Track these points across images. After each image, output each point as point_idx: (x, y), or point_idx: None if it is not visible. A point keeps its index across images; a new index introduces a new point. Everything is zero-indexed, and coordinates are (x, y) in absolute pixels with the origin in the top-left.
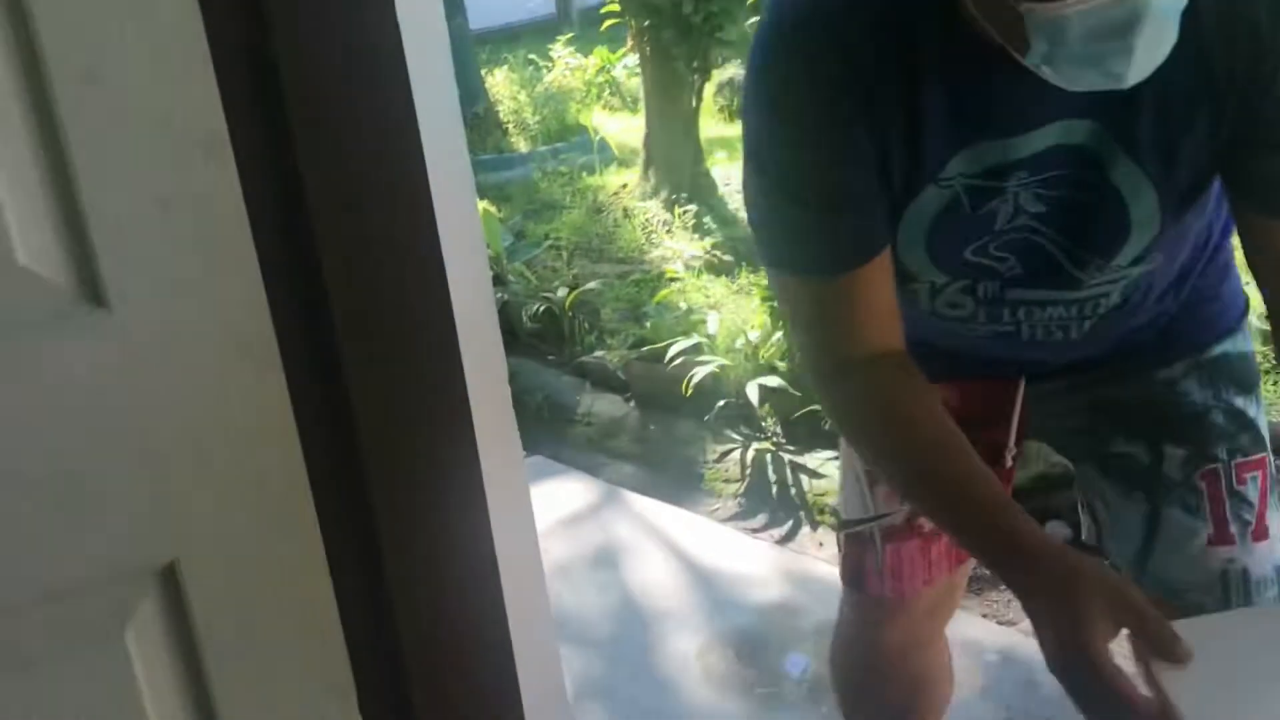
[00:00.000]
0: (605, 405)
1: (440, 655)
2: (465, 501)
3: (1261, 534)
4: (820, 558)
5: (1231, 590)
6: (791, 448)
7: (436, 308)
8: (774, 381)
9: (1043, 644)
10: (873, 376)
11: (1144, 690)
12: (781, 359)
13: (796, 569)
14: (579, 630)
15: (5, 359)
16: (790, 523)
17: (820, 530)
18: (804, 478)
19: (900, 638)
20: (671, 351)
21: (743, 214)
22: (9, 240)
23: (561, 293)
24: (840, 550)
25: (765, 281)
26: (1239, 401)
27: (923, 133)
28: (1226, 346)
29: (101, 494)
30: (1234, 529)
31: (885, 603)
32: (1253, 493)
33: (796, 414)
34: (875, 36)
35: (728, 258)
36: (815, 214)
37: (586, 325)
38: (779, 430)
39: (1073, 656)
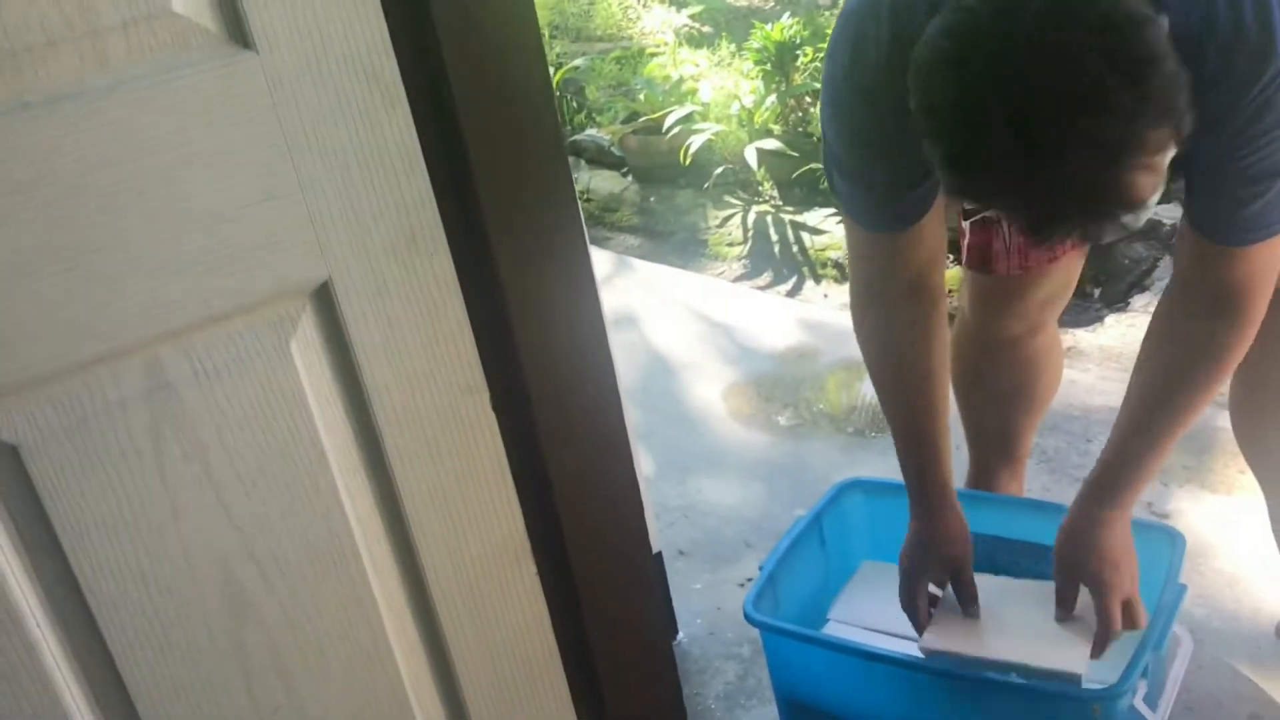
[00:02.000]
0: (603, 181)
1: (551, 360)
2: (563, 225)
3: None
4: (828, 306)
5: None
6: (790, 208)
7: (532, 57)
8: (771, 144)
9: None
10: (890, 311)
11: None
12: (775, 122)
13: (806, 317)
14: None
15: (166, 96)
16: (794, 278)
17: (824, 283)
18: (805, 235)
19: (1017, 325)
20: (668, 122)
21: None
22: None
23: None
24: (965, 240)
25: (757, 47)
26: None
27: None
28: None
29: (260, 221)
30: None
31: (1010, 285)
32: None
33: (794, 175)
34: None
35: (707, 29)
36: (863, 188)
37: (574, 104)
38: (776, 192)
39: (906, 572)
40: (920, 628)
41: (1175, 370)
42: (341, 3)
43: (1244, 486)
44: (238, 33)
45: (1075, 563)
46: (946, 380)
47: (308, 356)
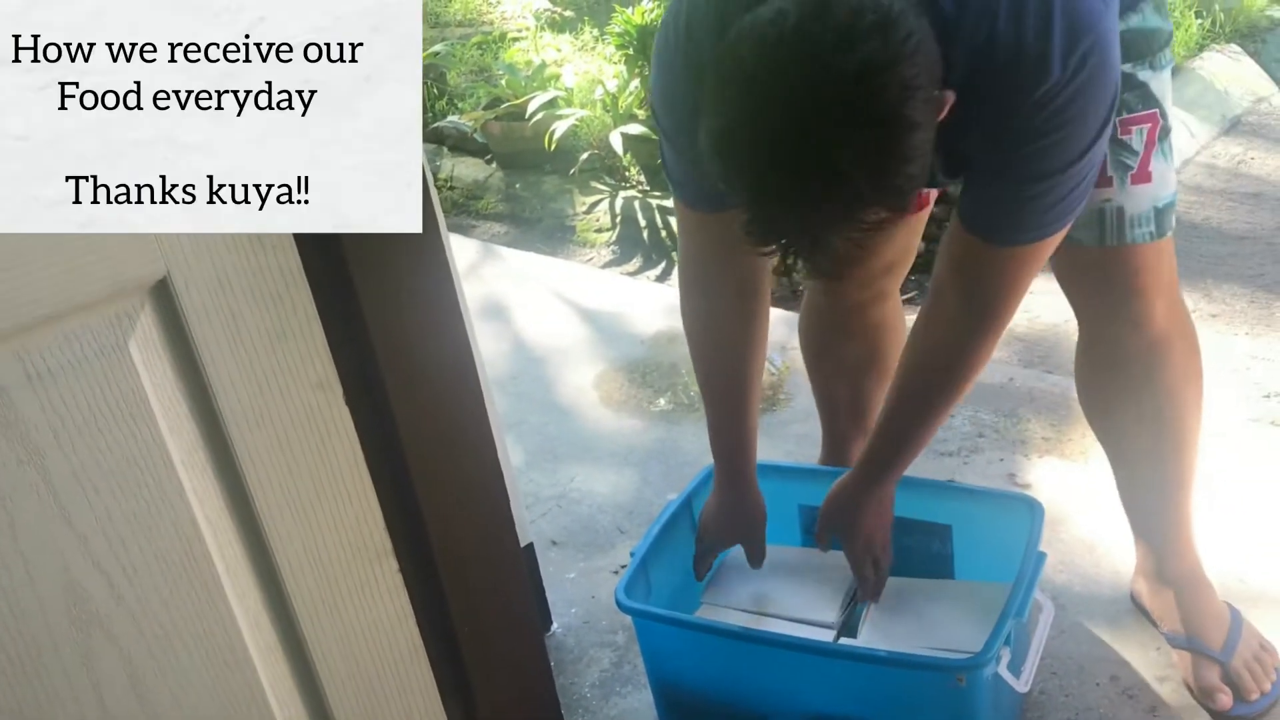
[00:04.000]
0: (466, 169)
1: (407, 352)
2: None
3: (1142, 178)
4: None
5: (1106, 225)
6: (657, 193)
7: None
8: (636, 129)
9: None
10: (718, 302)
11: None
12: (640, 106)
13: (675, 302)
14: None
15: None
16: (663, 263)
17: None
18: (672, 220)
19: (859, 291)
20: (531, 107)
21: None
22: None
23: None
24: None
25: (619, 31)
26: (1126, 67)
27: None
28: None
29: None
30: (1113, 173)
31: None
32: (1137, 143)
33: (660, 160)
34: None
35: (569, 13)
36: (688, 161)
37: (435, 90)
38: (643, 177)
39: (706, 539)
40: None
41: (924, 372)
42: None
43: (1100, 455)
44: None
45: (838, 530)
46: (762, 369)
47: (148, 355)
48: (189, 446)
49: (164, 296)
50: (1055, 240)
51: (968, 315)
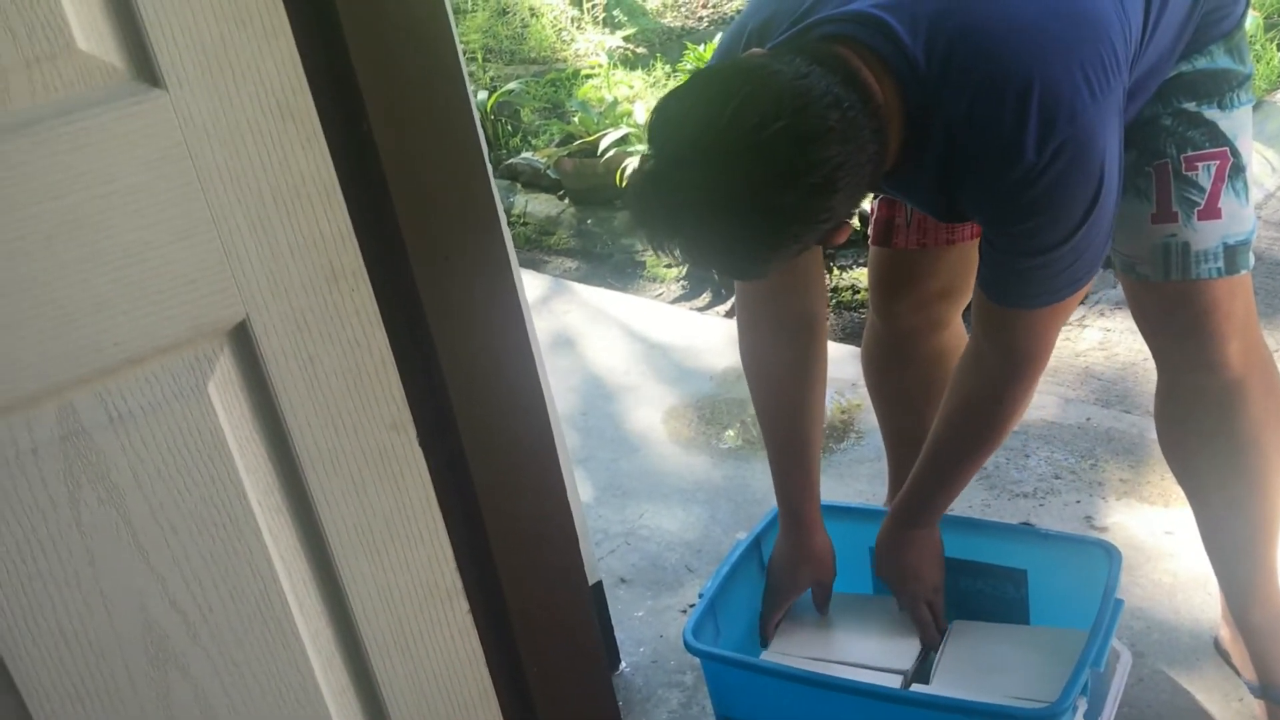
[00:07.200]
0: (539, 205)
1: (480, 393)
2: (488, 254)
3: (1211, 214)
4: None
5: (1171, 260)
6: None
7: (452, 87)
8: None
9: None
10: (773, 346)
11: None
12: None
13: None
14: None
15: (74, 137)
16: (732, 299)
17: None
18: None
19: (915, 315)
20: (604, 144)
21: (650, 4)
22: (68, 26)
23: (481, 96)
24: (872, 214)
25: (690, 68)
26: (1190, 105)
27: None
28: (1183, 67)
29: (174, 260)
30: (1177, 209)
31: (908, 267)
32: (1204, 179)
33: None
34: None
35: (641, 50)
36: None
37: (509, 127)
38: None
39: (775, 587)
40: (766, 639)
41: (961, 417)
42: (253, 39)
43: (1180, 498)
44: (146, 70)
45: (885, 574)
46: (822, 412)
47: (226, 397)
48: (265, 487)
49: (243, 339)
50: (1073, 301)
51: (1000, 368)
